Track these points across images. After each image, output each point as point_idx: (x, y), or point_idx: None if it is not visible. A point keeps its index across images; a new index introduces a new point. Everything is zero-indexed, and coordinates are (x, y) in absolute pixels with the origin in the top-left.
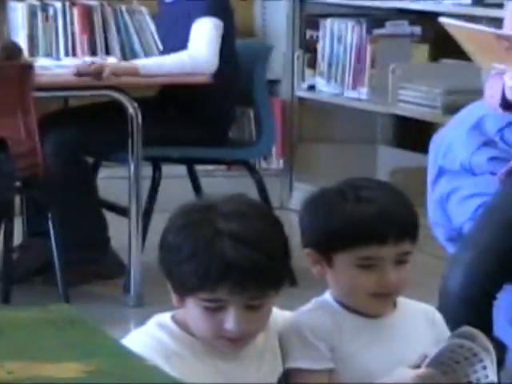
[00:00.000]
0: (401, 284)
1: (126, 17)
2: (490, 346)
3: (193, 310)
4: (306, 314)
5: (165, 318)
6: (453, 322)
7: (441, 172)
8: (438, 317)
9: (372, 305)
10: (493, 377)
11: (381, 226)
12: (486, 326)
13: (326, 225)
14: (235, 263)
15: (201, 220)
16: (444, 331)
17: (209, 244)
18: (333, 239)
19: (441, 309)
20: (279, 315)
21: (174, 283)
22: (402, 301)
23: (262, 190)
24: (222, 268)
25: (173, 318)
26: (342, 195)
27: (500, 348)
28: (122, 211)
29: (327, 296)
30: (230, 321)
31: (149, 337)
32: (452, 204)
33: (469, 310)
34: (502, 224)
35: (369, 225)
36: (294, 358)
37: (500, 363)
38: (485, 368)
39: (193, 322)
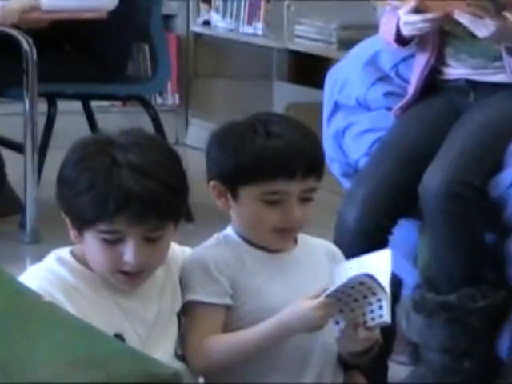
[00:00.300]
0: (304, 220)
1: None
2: (386, 286)
3: (91, 244)
4: (209, 248)
5: (64, 252)
6: (348, 258)
7: (336, 107)
8: (338, 252)
9: (274, 240)
10: (387, 317)
11: (289, 161)
12: None
13: (234, 158)
14: (134, 193)
15: (98, 152)
16: None
17: (107, 174)
18: (241, 172)
19: (337, 244)
20: (179, 251)
21: (72, 217)
22: (302, 237)
23: (157, 125)
24: (121, 198)
25: (72, 252)
26: (252, 129)
27: (396, 283)
28: (18, 147)
29: (229, 231)
30: (129, 253)
31: (48, 272)
32: (347, 139)
33: (364, 245)
34: (396, 159)
35: (278, 159)
36: (195, 290)
37: (395, 298)
38: (381, 308)
39: (91, 257)
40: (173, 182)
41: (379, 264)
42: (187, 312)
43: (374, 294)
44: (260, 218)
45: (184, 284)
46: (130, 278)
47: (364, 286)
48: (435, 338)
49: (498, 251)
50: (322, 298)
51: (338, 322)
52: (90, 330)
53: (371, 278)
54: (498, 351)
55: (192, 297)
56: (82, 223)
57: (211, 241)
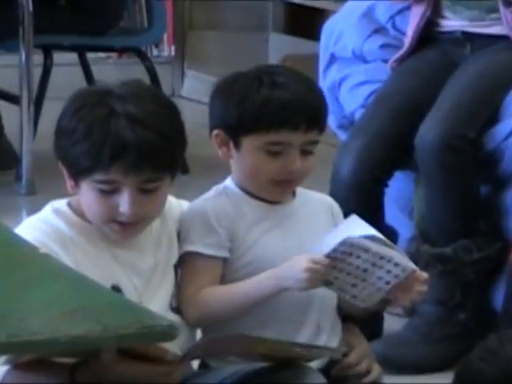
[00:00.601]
0: (304, 172)
1: None
2: (391, 243)
3: (87, 195)
4: (209, 200)
5: (60, 204)
6: (344, 209)
7: (332, 59)
8: (336, 206)
9: (274, 191)
10: (411, 265)
11: (294, 112)
12: (377, 213)
13: (239, 106)
14: (130, 143)
15: (96, 102)
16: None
17: (104, 124)
18: (245, 121)
19: (332, 196)
20: (176, 204)
21: (69, 167)
22: (300, 190)
23: (153, 77)
24: (117, 148)
25: (68, 204)
26: (258, 79)
27: (392, 235)
28: (14, 99)
29: (228, 182)
30: (124, 203)
31: (44, 223)
32: (343, 91)
33: (359, 196)
34: (391, 111)
35: (283, 110)
36: (193, 241)
37: None
38: (397, 265)
39: (87, 207)
40: (170, 132)
41: (360, 228)
42: (184, 263)
43: (381, 257)
44: (261, 168)
45: (182, 235)
46: (125, 228)
47: (369, 252)
48: (430, 290)
49: (493, 203)
50: (314, 255)
51: (355, 296)
52: (86, 281)
53: (371, 238)
54: (493, 303)
55: (190, 248)
56: (79, 173)
57: (210, 193)
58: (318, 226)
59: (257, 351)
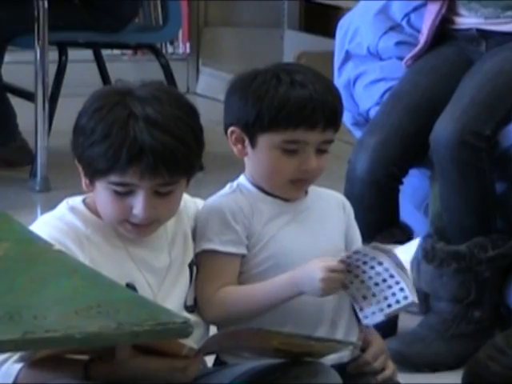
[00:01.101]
0: (319, 171)
1: None
2: (405, 266)
3: (102, 195)
4: (224, 197)
5: (76, 201)
6: (359, 207)
7: (348, 56)
8: (348, 205)
9: (289, 189)
10: (412, 297)
11: (313, 111)
12: (392, 210)
13: (257, 104)
14: (147, 146)
15: (116, 103)
16: (352, 221)
17: (122, 126)
18: (263, 119)
19: (347, 193)
20: (191, 202)
21: (85, 165)
22: (312, 187)
23: (168, 74)
24: (134, 151)
25: (84, 201)
26: (276, 77)
27: (406, 232)
28: (28, 96)
29: (242, 180)
30: (138, 206)
31: (60, 221)
32: (359, 89)
33: (374, 193)
34: (407, 108)
35: (301, 108)
36: (210, 239)
37: None
38: (402, 290)
39: (101, 206)
40: (188, 137)
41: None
42: (202, 261)
43: (391, 276)
44: (277, 167)
45: (199, 233)
46: (139, 228)
47: (382, 266)
48: (445, 288)
49: (509, 201)
50: (329, 262)
51: (361, 309)
52: (100, 278)
53: (388, 255)
54: (508, 300)
55: (207, 246)
56: (95, 173)
57: (225, 190)
58: (331, 221)
59: (272, 345)
